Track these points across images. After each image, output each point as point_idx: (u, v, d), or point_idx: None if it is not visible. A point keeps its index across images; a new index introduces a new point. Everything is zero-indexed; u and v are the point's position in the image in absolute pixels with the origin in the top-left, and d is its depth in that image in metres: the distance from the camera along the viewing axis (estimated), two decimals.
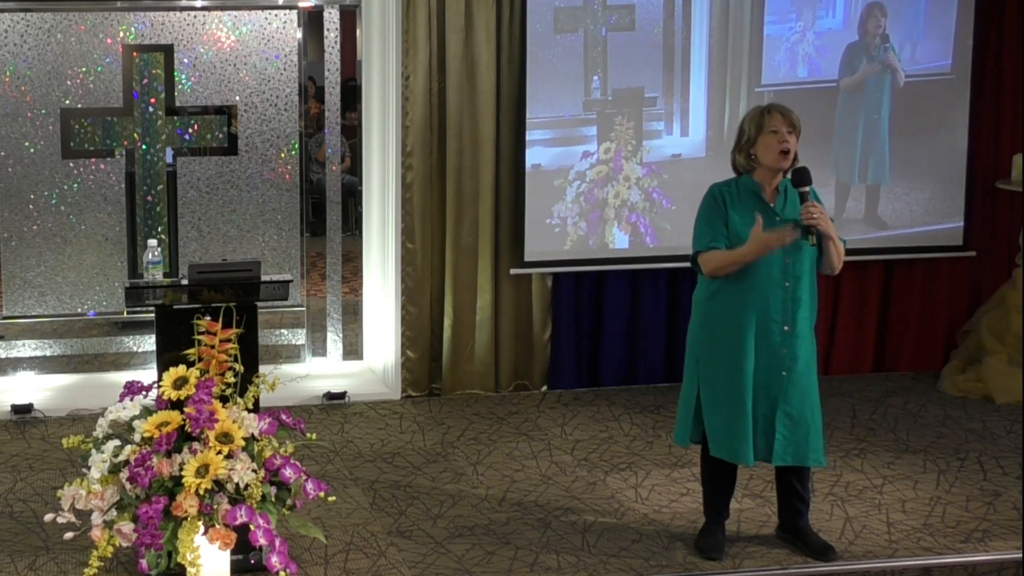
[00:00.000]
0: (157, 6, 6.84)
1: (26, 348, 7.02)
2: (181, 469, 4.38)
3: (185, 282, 4.86)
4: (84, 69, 6.86)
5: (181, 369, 4.56)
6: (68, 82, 6.85)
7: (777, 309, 4.68)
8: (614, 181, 6.85)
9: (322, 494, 4.54)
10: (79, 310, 7.05)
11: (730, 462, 4.85)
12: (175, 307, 4.81)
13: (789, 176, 4.72)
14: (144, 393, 4.67)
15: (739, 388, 4.71)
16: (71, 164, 6.91)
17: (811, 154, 7.02)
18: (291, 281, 5.12)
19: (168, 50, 6.89)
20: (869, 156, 7.06)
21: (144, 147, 6.95)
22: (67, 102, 6.85)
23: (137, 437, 4.49)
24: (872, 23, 6.95)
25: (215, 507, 4.35)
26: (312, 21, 7.10)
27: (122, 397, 4.68)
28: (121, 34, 6.86)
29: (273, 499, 4.47)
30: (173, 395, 4.50)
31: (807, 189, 4.64)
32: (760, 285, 4.67)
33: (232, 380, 4.60)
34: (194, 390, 4.48)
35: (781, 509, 5.02)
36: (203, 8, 6.89)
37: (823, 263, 4.73)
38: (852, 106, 7.00)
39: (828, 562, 4.86)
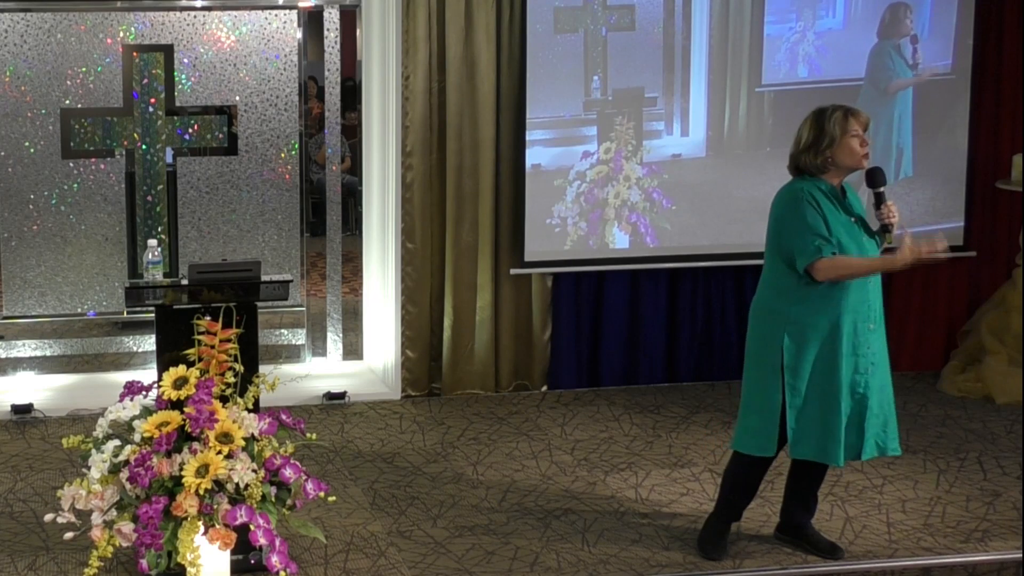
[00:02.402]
0: (157, 6, 6.84)
1: (26, 348, 7.02)
2: (181, 469, 4.38)
3: (185, 282, 4.86)
4: (84, 69, 6.86)
5: (181, 369, 4.56)
6: (68, 82, 6.85)
7: (866, 309, 4.71)
8: (614, 181, 6.85)
9: (322, 494, 4.54)
10: (79, 310, 7.05)
11: (764, 471, 4.87)
12: (175, 307, 4.81)
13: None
14: (144, 393, 4.67)
15: (835, 392, 4.69)
16: (71, 164, 6.91)
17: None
18: (291, 281, 5.12)
19: (168, 50, 6.89)
20: (900, 153, 7.07)
21: (144, 147, 6.95)
22: (67, 102, 6.85)
23: (137, 437, 4.49)
24: (904, 24, 6.95)
25: (215, 507, 4.35)
26: (312, 21, 7.10)
27: (122, 397, 4.68)
28: (121, 34, 6.86)
29: (273, 499, 4.47)
30: (173, 395, 4.50)
31: (883, 189, 4.69)
32: (855, 287, 4.68)
33: (232, 380, 4.60)
34: (194, 390, 4.48)
35: (787, 509, 5.02)
36: (203, 8, 6.89)
37: None
38: (885, 106, 6.99)
39: (836, 560, 4.87)
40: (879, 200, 4.69)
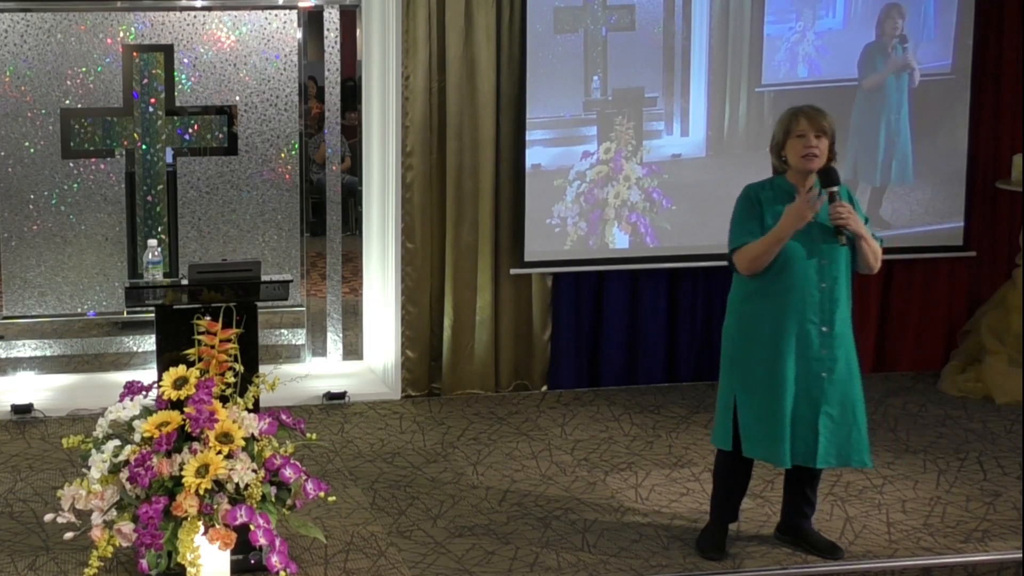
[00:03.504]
0: (157, 6, 6.84)
1: (26, 348, 7.02)
2: (181, 469, 4.38)
3: (185, 282, 4.86)
4: (84, 69, 6.86)
5: (181, 369, 4.56)
6: (68, 82, 6.85)
7: (815, 310, 4.67)
8: (614, 181, 6.85)
9: (322, 494, 4.54)
10: (79, 310, 7.05)
11: (745, 465, 4.87)
12: (175, 307, 4.81)
13: None
14: (144, 393, 4.67)
15: (778, 391, 4.69)
16: (71, 164, 6.91)
17: None
18: (291, 281, 5.12)
19: (168, 50, 6.89)
20: (892, 156, 7.06)
21: (144, 147, 6.95)
22: (67, 102, 6.85)
23: (137, 437, 4.49)
24: (889, 24, 6.95)
25: (215, 507, 4.35)
26: (312, 21, 7.11)
27: (122, 397, 4.68)
28: (121, 34, 6.86)
29: (273, 499, 4.47)
30: (173, 395, 4.50)
31: (836, 189, 4.64)
32: (797, 287, 4.66)
33: (232, 380, 4.60)
34: (194, 390, 4.48)
35: (786, 510, 5.02)
36: (203, 8, 6.89)
37: (859, 263, 4.72)
38: (872, 107, 7.00)
39: (836, 560, 4.87)
40: (830, 200, 4.65)
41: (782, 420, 4.70)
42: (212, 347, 4.62)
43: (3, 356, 6.98)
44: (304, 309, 7.26)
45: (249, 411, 4.59)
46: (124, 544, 4.41)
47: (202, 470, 4.34)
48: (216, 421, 4.42)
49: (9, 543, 5.02)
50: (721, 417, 4.87)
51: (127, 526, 4.39)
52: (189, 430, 4.43)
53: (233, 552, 4.47)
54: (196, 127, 6.98)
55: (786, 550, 4.97)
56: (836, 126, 4.71)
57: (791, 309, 4.67)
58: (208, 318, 4.68)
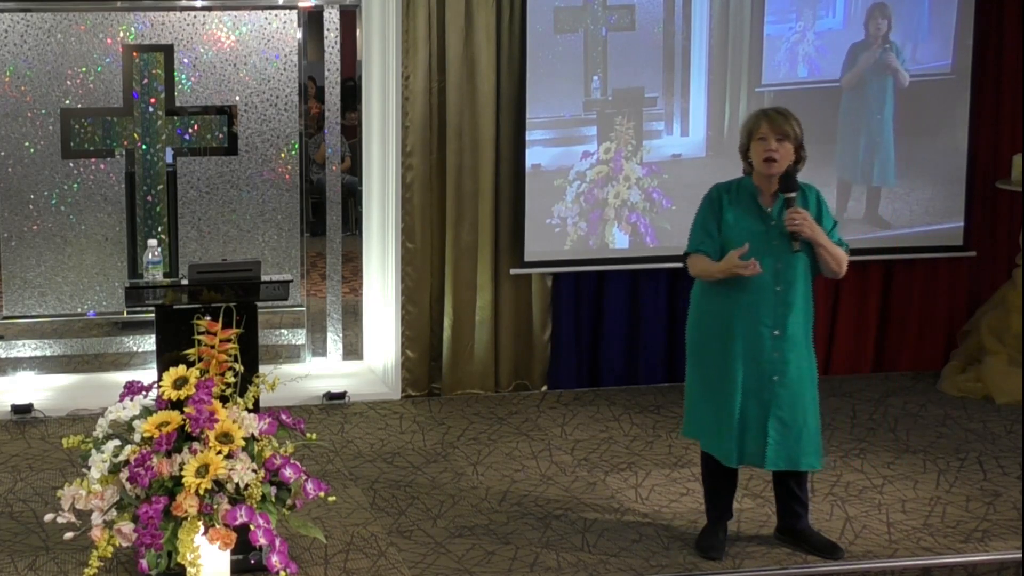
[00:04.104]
0: (157, 6, 6.84)
1: (26, 348, 7.02)
2: (181, 469, 4.38)
3: (185, 282, 4.86)
4: (84, 69, 6.86)
5: (181, 369, 4.56)
6: (68, 82, 6.85)
7: (767, 313, 4.68)
8: (614, 181, 6.85)
9: (322, 494, 4.54)
10: (79, 310, 7.05)
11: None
12: (175, 307, 4.81)
13: None
14: (144, 393, 4.67)
15: (727, 391, 4.74)
16: (71, 164, 6.91)
17: (812, 154, 6.93)
18: (291, 281, 5.12)
19: (168, 50, 6.89)
20: (874, 157, 7.06)
21: (144, 147, 6.95)
22: (67, 102, 6.85)
23: (137, 437, 4.49)
24: (872, 24, 6.96)
25: (215, 507, 4.35)
26: (312, 21, 7.10)
27: (122, 397, 4.68)
28: (121, 34, 6.86)
29: (273, 499, 4.47)
30: (173, 395, 4.50)
31: (792, 195, 4.65)
32: (751, 289, 4.68)
33: (232, 380, 4.60)
34: (194, 390, 4.48)
35: (780, 512, 5.02)
36: (203, 8, 6.89)
37: (822, 268, 4.72)
38: (854, 107, 7.00)
39: (837, 560, 4.86)
40: (786, 205, 4.66)
41: (730, 420, 4.74)
42: (212, 347, 4.62)
43: (3, 356, 6.98)
44: (304, 309, 7.26)
45: (249, 411, 4.59)
46: (124, 544, 4.41)
47: (202, 470, 4.34)
48: (216, 421, 4.42)
49: (9, 543, 5.02)
50: (686, 410, 4.94)
51: (127, 526, 4.39)
52: (189, 430, 4.43)
53: (233, 552, 4.47)
54: (196, 127, 6.98)
55: (786, 550, 4.97)
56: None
57: (744, 310, 4.70)
58: (208, 318, 4.68)
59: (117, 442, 4.53)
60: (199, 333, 4.65)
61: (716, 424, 4.79)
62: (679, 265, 6.87)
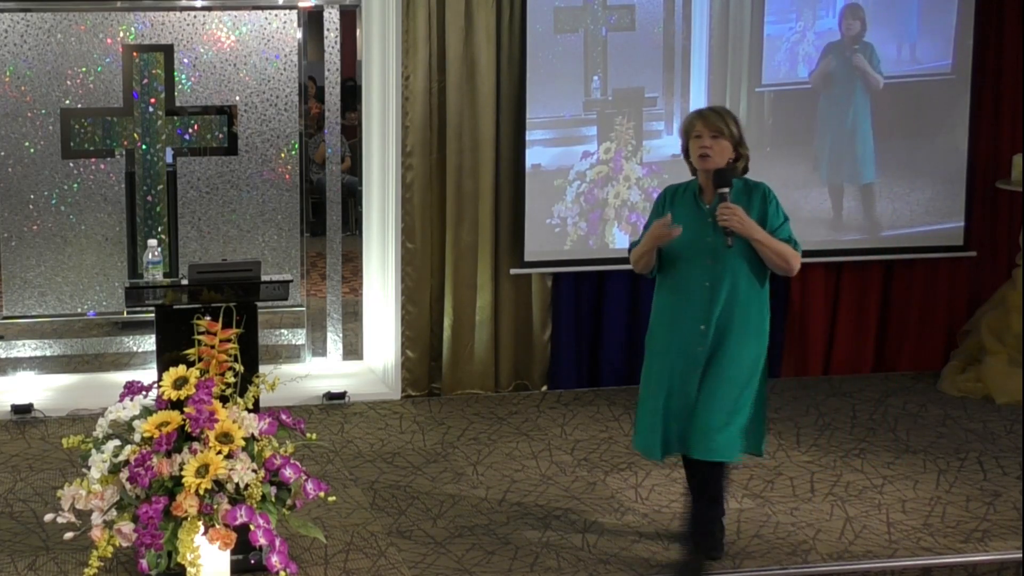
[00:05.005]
0: (157, 6, 6.84)
1: (26, 348, 7.02)
2: (181, 469, 4.38)
3: (185, 282, 4.86)
4: (84, 69, 6.86)
5: (181, 369, 4.56)
6: (68, 82, 6.85)
7: (698, 308, 4.69)
8: (614, 181, 6.85)
9: (322, 494, 4.54)
10: (79, 310, 7.05)
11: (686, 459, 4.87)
12: (175, 307, 4.81)
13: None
14: (144, 393, 4.67)
15: (658, 385, 4.79)
16: (71, 164, 6.91)
17: (810, 154, 7.05)
18: (291, 281, 5.12)
19: (168, 50, 6.89)
20: (843, 158, 7.02)
21: (144, 147, 6.95)
22: (67, 102, 6.85)
23: (137, 437, 4.49)
24: (844, 25, 6.95)
25: (215, 507, 4.35)
26: (312, 21, 7.11)
27: (122, 397, 4.68)
28: (121, 34, 6.86)
29: (273, 499, 4.47)
30: (173, 395, 4.50)
31: (725, 191, 4.64)
32: (682, 285, 4.72)
33: (232, 380, 4.60)
34: (194, 390, 4.48)
35: (691, 499, 4.93)
36: (203, 8, 6.89)
37: (768, 264, 4.69)
38: (826, 107, 6.98)
39: (711, 559, 4.83)
40: (719, 200, 4.65)
41: (656, 415, 4.77)
42: (212, 347, 4.62)
43: (3, 356, 6.98)
44: (304, 309, 7.26)
45: (249, 411, 4.59)
46: (124, 544, 4.41)
47: (202, 470, 4.34)
48: (216, 421, 4.42)
49: (9, 543, 5.02)
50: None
51: (127, 526, 4.39)
52: (189, 430, 4.43)
53: (233, 552, 4.47)
54: (196, 127, 6.98)
55: (786, 550, 4.97)
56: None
57: (680, 307, 4.74)
58: (208, 318, 4.68)
59: (117, 442, 4.53)
60: (199, 333, 4.65)
61: (646, 418, 4.82)
62: None
